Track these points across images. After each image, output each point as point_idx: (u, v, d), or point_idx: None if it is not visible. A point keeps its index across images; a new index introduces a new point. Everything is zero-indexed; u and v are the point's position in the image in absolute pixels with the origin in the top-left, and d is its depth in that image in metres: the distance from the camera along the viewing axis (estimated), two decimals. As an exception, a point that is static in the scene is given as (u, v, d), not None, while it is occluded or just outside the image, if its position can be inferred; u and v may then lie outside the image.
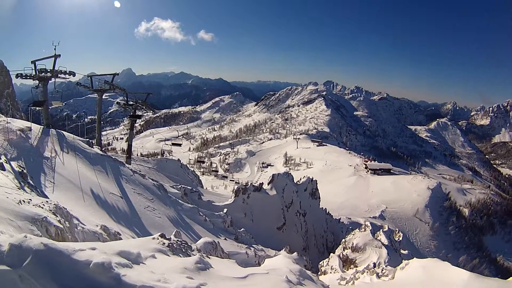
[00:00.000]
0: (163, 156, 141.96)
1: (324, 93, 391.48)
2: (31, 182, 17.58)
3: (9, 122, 26.56)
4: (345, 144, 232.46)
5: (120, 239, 17.12)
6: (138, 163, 55.76)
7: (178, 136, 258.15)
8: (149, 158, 74.30)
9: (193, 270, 7.99)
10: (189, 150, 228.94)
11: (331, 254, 38.54)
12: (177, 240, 10.11)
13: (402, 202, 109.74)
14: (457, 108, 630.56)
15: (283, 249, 40.16)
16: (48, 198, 16.90)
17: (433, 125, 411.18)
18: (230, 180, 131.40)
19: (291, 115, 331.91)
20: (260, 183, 61.24)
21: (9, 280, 5.47)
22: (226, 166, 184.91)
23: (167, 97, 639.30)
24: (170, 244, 9.48)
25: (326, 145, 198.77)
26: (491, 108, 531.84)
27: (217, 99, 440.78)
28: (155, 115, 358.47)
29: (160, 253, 8.57)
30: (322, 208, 72.84)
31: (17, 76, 32.93)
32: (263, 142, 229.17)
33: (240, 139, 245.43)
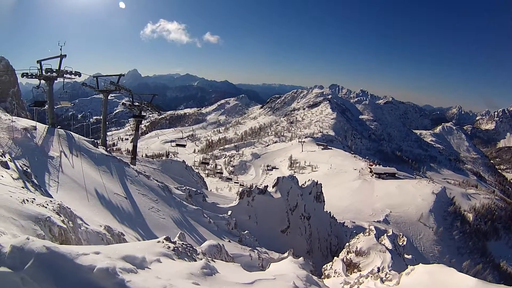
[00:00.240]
0: (168, 157, 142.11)
1: (329, 96, 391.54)
2: (35, 181, 17.51)
3: (14, 121, 26.57)
4: (350, 148, 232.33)
5: (124, 239, 17.06)
6: (143, 164, 55.68)
7: (183, 137, 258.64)
8: (154, 159, 74.26)
9: (199, 275, 7.85)
10: (194, 151, 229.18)
11: (335, 257, 38.32)
12: (182, 244, 9.95)
13: (406, 207, 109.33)
14: (462, 112, 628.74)
15: (287, 252, 40.04)
16: (52, 197, 16.81)
17: (438, 129, 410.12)
18: (235, 182, 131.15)
19: (296, 118, 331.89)
20: (264, 186, 61.11)
21: (11, 282, 5.32)
22: (231, 168, 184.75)
23: (172, 98, 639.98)
24: (176, 248, 9.31)
25: (331, 149, 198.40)
26: (496, 113, 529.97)
27: (222, 101, 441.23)
28: (160, 117, 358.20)
29: (165, 257, 8.42)
30: (327, 211, 72.67)
31: (22, 75, 32.94)
32: (268, 145, 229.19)
33: (245, 142, 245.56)
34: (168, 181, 49.48)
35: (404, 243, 40.53)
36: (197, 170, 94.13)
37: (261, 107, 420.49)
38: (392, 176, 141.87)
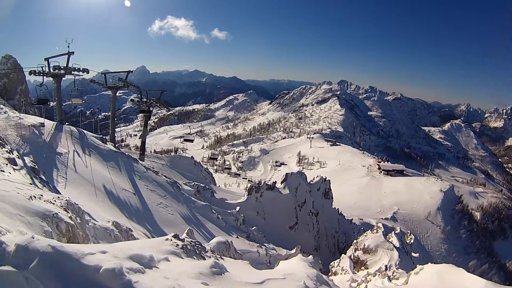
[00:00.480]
0: (176, 153, 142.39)
1: (338, 92, 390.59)
2: (43, 177, 17.54)
3: (22, 118, 26.64)
4: (358, 144, 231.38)
5: (132, 235, 17.07)
6: (152, 160, 55.81)
7: (190, 132, 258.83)
8: (163, 155, 74.38)
9: (208, 274, 7.75)
10: (203, 147, 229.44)
11: (342, 255, 38.26)
12: (191, 241, 9.83)
13: (414, 204, 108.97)
14: (471, 109, 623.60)
15: (294, 249, 40.05)
16: (60, 193, 16.84)
17: (446, 126, 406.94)
18: (243, 178, 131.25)
19: (305, 114, 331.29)
20: (273, 182, 61.16)
21: (15, 282, 5.27)
22: (240, 164, 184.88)
23: (181, 94, 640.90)
24: (184, 246, 9.17)
25: (339, 145, 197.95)
26: (504, 110, 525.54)
27: (231, 97, 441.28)
28: (169, 113, 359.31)
29: (174, 256, 8.29)
30: (335, 208, 72.54)
31: (30, 73, 32.96)
32: (276, 141, 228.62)
33: (253, 138, 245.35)
34: (176, 177, 49.56)
35: (412, 241, 40.38)
36: (205, 166, 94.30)
37: (270, 103, 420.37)
38: (400, 173, 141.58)
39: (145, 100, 44.34)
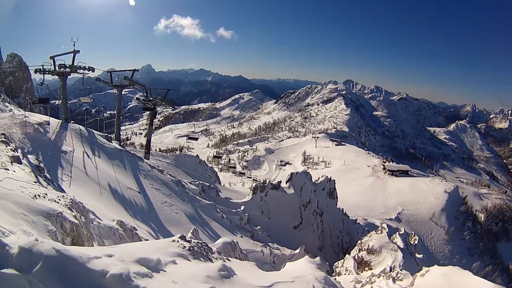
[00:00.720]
0: (181, 151, 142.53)
1: (343, 92, 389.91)
2: (47, 175, 17.54)
3: (27, 116, 26.68)
4: (363, 144, 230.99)
5: (137, 234, 17.05)
6: (157, 158, 55.88)
7: (195, 131, 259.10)
8: (168, 154, 74.45)
9: (217, 278, 7.66)
10: (208, 146, 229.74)
11: (346, 255, 38.19)
12: (197, 242, 9.75)
13: (418, 205, 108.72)
14: (476, 110, 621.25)
15: (299, 249, 40.09)
16: (65, 191, 16.85)
17: (452, 127, 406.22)
18: (248, 177, 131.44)
19: (310, 113, 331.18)
20: (278, 181, 60.97)
21: (18, 285, 5.20)
22: (245, 163, 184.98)
23: (186, 93, 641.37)
24: (191, 248, 9.08)
25: (344, 145, 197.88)
26: (510, 111, 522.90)
27: (236, 96, 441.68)
28: (174, 111, 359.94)
29: (181, 258, 8.21)
30: (339, 208, 72.44)
31: (36, 71, 33.04)
32: (282, 140, 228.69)
33: (259, 137, 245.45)
34: (181, 176, 49.64)
35: (416, 242, 40.28)
36: (210, 165, 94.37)
37: (275, 102, 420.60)
38: (405, 173, 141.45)
39: (151, 98, 44.40)
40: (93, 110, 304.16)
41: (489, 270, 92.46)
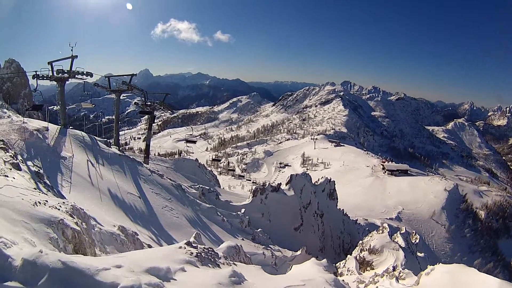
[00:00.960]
0: (180, 155, 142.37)
1: (341, 93, 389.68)
2: (47, 182, 17.47)
3: (26, 122, 26.61)
4: (362, 145, 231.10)
5: (138, 239, 16.98)
6: (156, 163, 55.80)
7: (192, 134, 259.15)
8: (167, 158, 74.40)
9: (228, 285, 7.58)
10: (207, 150, 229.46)
11: (348, 255, 38.24)
12: (204, 248, 9.65)
13: (418, 204, 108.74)
14: (474, 108, 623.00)
15: (300, 250, 40.09)
16: (65, 198, 16.79)
17: (450, 125, 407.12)
18: (247, 180, 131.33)
19: (308, 115, 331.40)
20: (278, 184, 61.00)
21: None
22: (244, 166, 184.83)
23: (184, 97, 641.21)
24: (198, 254, 8.95)
25: (343, 146, 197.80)
26: (508, 108, 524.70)
27: (234, 99, 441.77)
28: (172, 115, 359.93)
29: (189, 265, 8.09)
30: (340, 209, 72.45)
31: (33, 77, 32.97)
32: (280, 142, 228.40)
33: (257, 139, 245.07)
34: (181, 180, 49.53)
35: (417, 241, 40.33)
36: (209, 168, 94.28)
37: (273, 105, 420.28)
38: (404, 173, 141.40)
39: (149, 103, 44.35)
40: (91, 116, 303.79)
41: (490, 267, 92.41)
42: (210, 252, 9.72)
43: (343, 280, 15.09)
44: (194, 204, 34.66)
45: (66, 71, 33.34)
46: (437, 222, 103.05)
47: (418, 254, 37.19)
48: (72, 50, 33.21)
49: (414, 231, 46.05)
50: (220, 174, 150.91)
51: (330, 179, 72.50)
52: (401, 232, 38.03)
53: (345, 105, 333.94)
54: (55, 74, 33.14)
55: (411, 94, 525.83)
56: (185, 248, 9.09)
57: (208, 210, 35.49)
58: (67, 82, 34.59)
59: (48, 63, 33.22)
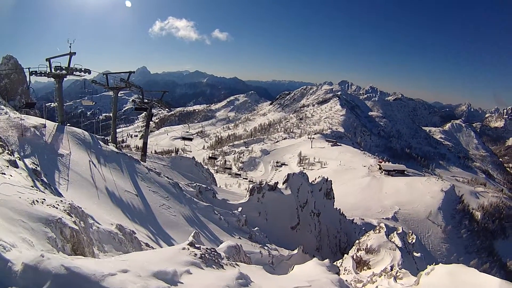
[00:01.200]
0: (177, 153, 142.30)
1: (339, 93, 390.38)
2: (44, 179, 17.37)
3: (23, 119, 26.48)
4: (359, 145, 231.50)
5: (136, 238, 16.87)
6: (153, 161, 55.68)
7: (188, 131, 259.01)
8: (164, 156, 74.30)
9: (236, 287, 7.50)
10: (204, 148, 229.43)
11: (345, 255, 38.31)
12: (207, 249, 9.53)
13: (415, 204, 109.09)
14: (472, 109, 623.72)
15: (297, 249, 40.02)
16: (62, 196, 16.68)
17: (447, 126, 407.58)
18: (244, 178, 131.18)
19: (305, 114, 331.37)
20: (275, 183, 61.01)
21: None
22: (240, 165, 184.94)
23: (181, 95, 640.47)
24: (203, 255, 8.82)
25: (340, 145, 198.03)
26: (505, 110, 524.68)
27: (232, 98, 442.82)
28: (169, 113, 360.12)
29: (194, 267, 7.98)
30: (336, 208, 72.52)
31: (31, 73, 32.84)
32: (277, 141, 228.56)
33: (254, 138, 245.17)
34: (177, 178, 49.44)
35: (414, 241, 40.43)
36: (206, 167, 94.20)
37: (271, 104, 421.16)
38: (401, 173, 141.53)
39: (146, 101, 44.21)
40: (88, 113, 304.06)
41: (486, 267, 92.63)
42: (213, 253, 9.60)
43: (346, 280, 15.01)
44: (191, 202, 34.57)
45: (64, 67, 33.22)
46: (433, 223, 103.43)
47: (415, 254, 37.31)
48: (70, 47, 33.11)
49: (410, 231, 46.15)
50: (217, 172, 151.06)
51: (327, 178, 72.65)
52: (398, 232, 38.12)
53: (343, 104, 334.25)
54: (53, 70, 33.00)
55: (409, 94, 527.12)
56: (188, 249, 8.96)
57: (205, 209, 35.41)
58: (64, 79, 34.49)
59: (46, 59, 33.08)
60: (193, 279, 7.26)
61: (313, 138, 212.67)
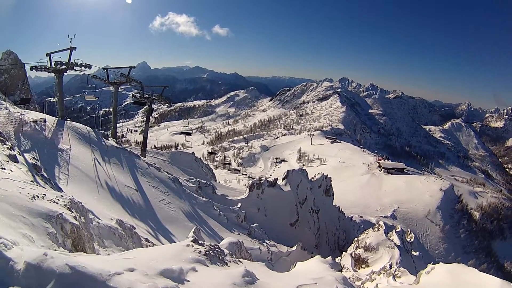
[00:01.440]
0: (177, 148, 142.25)
1: (339, 90, 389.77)
2: (44, 174, 17.35)
3: (23, 114, 26.46)
4: (359, 142, 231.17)
5: (136, 233, 16.90)
6: (152, 156, 55.66)
7: (187, 126, 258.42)
8: (163, 151, 74.26)
9: (242, 285, 7.43)
10: (203, 143, 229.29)
11: (344, 252, 38.27)
12: (210, 245, 9.49)
13: (414, 203, 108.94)
14: (472, 109, 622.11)
15: (295, 246, 40.11)
16: (62, 191, 16.68)
17: (447, 125, 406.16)
18: (243, 174, 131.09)
19: (305, 111, 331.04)
20: (274, 179, 60.87)
21: None
22: (240, 160, 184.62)
23: (182, 90, 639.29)
24: (207, 252, 8.78)
25: (340, 142, 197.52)
26: (505, 111, 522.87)
27: (232, 93, 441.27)
28: (169, 109, 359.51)
29: (200, 264, 7.92)
30: (335, 205, 72.50)
31: (31, 68, 32.86)
32: (277, 138, 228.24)
33: (254, 134, 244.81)
34: (177, 173, 49.47)
35: (412, 239, 40.38)
36: (206, 162, 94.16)
37: (271, 100, 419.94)
38: (400, 171, 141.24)
39: (146, 96, 44.18)
40: (88, 108, 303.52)
41: (484, 268, 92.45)
42: (217, 249, 9.55)
43: (348, 278, 15.01)
44: (191, 198, 34.62)
45: (64, 62, 33.20)
46: (432, 222, 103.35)
47: (413, 253, 37.26)
48: (71, 41, 33.15)
49: (409, 230, 46.17)
50: (216, 168, 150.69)
51: (327, 175, 72.59)
52: (397, 230, 38.06)
53: (343, 102, 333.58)
54: (53, 65, 32.98)
55: (409, 92, 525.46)
56: (192, 246, 8.89)
57: (205, 204, 35.47)
58: (65, 74, 34.49)
59: (47, 54, 33.11)
60: (199, 277, 7.21)
61: (313, 134, 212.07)
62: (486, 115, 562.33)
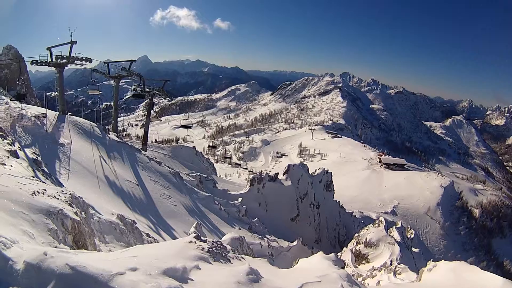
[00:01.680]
0: (177, 142, 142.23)
1: (340, 84, 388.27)
2: (45, 169, 17.31)
3: (24, 109, 26.42)
4: (360, 137, 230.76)
5: (137, 228, 16.87)
6: (153, 150, 55.71)
7: (187, 119, 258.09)
8: (164, 145, 74.27)
9: (247, 283, 7.29)
10: (204, 137, 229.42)
11: (344, 248, 38.24)
12: (212, 242, 9.39)
13: (414, 199, 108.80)
14: (473, 106, 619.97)
15: (296, 241, 40.08)
16: (63, 185, 16.67)
17: (448, 122, 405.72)
18: (244, 168, 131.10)
19: (307, 105, 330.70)
20: (275, 173, 60.83)
21: None
22: (241, 155, 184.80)
23: (183, 84, 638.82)
24: (210, 249, 8.65)
25: (341, 137, 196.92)
26: (506, 108, 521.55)
27: (233, 87, 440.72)
28: (170, 102, 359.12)
29: (203, 262, 7.82)
30: (336, 201, 72.42)
31: (32, 63, 32.84)
32: (278, 132, 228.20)
33: (255, 128, 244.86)
34: (178, 167, 49.52)
35: (412, 236, 40.29)
36: (207, 156, 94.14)
37: (272, 94, 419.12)
38: (401, 167, 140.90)
39: (147, 90, 44.12)
40: (89, 102, 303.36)
41: (483, 266, 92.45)
42: (219, 246, 9.45)
43: (352, 275, 14.95)
44: (192, 192, 34.60)
45: (65, 57, 33.14)
46: (432, 218, 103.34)
47: (413, 249, 37.22)
48: (71, 35, 33.11)
49: (409, 226, 46.07)
50: (217, 162, 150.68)
51: (327, 170, 72.46)
52: (397, 226, 37.99)
53: (344, 96, 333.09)
54: (53, 60, 32.91)
55: (410, 88, 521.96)
56: (195, 242, 8.77)
57: (206, 199, 35.45)
58: (65, 68, 34.43)
59: (47, 48, 33.07)
60: (202, 276, 7.11)
61: (314, 129, 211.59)
62: (487, 113, 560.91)
